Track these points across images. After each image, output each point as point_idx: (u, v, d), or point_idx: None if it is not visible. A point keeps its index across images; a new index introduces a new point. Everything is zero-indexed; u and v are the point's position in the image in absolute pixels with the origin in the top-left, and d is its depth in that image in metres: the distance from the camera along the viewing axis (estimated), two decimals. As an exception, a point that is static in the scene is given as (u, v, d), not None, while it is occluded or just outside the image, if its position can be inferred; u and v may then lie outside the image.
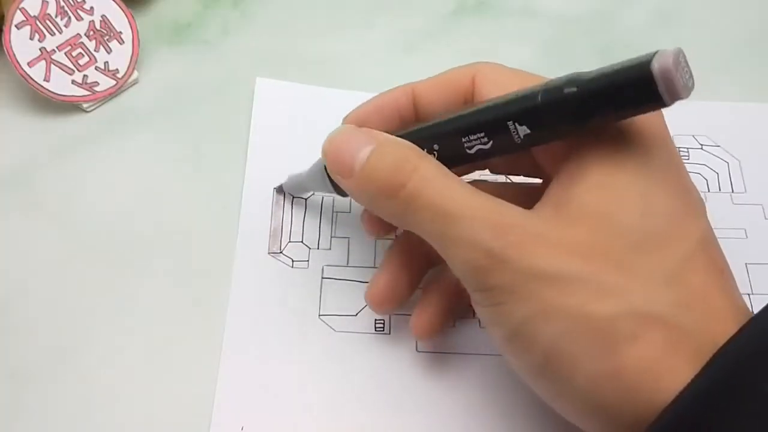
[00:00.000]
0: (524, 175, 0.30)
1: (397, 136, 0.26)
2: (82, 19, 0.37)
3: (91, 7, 0.37)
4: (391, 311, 0.30)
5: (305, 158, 0.35)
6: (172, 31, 0.40)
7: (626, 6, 0.42)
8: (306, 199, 0.34)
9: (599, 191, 0.22)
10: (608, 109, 0.22)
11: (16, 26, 0.35)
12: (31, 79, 0.36)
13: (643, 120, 0.23)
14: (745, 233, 0.34)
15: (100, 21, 0.37)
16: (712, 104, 0.38)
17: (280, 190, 0.35)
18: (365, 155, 0.25)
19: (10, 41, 0.35)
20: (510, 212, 0.23)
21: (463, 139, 0.25)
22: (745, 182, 0.36)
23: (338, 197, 0.33)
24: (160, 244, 0.33)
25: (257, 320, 0.31)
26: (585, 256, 0.22)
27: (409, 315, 0.31)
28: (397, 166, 0.24)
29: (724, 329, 0.21)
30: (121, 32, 0.38)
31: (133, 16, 0.38)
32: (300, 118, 0.37)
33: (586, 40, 0.41)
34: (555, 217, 0.23)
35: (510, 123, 0.23)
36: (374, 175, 0.25)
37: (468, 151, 0.25)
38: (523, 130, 0.23)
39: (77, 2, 0.37)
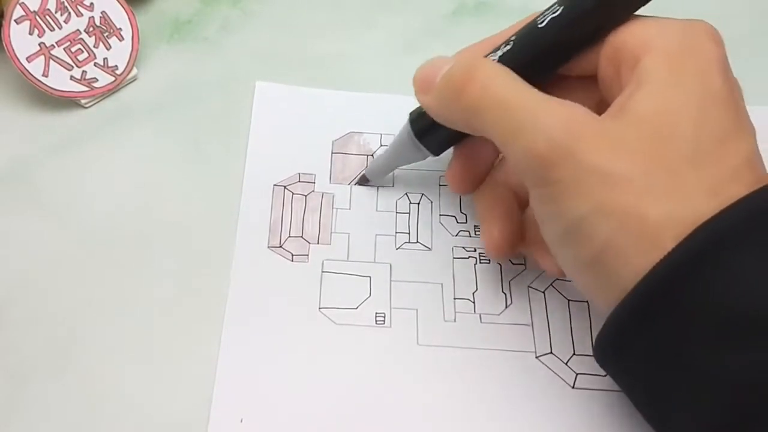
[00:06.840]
0: None
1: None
2: (82, 15, 0.37)
3: (91, 3, 0.37)
4: (511, 256, 0.31)
5: (305, 153, 0.36)
6: (172, 28, 0.40)
7: (625, 7, 0.42)
8: (306, 196, 0.34)
9: (660, 100, 0.24)
10: None
11: (15, 21, 0.35)
12: (30, 74, 0.35)
13: (705, 44, 0.25)
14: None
15: (100, 17, 0.37)
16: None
17: (362, 180, 0.35)
18: (445, 70, 0.27)
19: (9, 36, 0.35)
20: (576, 108, 0.24)
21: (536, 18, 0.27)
22: (746, 181, 0.36)
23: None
24: (160, 239, 0.33)
25: (256, 313, 0.31)
26: (642, 160, 0.23)
27: (409, 309, 0.32)
28: (467, 69, 0.26)
29: None
30: (120, 29, 0.38)
31: (133, 13, 0.38)
32: (299, 117, 0.37)
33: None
34: (618, 120, 0.24)
35: None
36: (448, 81, 0.27)
37: (540, 26, 0.26)
38: None
39: (77, -2, 0.37)
